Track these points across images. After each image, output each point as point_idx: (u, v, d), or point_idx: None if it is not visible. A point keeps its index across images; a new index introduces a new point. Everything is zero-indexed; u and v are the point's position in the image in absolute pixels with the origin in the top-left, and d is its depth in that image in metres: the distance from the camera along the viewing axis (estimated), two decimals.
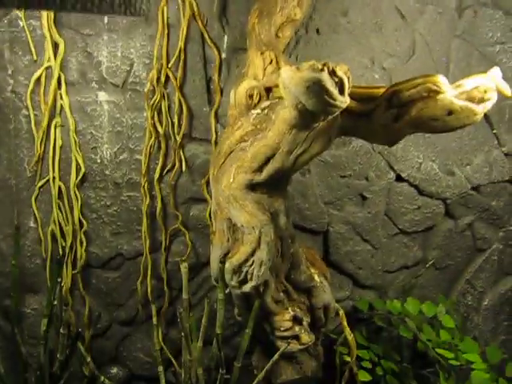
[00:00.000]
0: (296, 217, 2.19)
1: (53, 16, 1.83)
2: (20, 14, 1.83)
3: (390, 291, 2.37)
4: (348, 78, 1.43)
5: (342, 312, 2.04)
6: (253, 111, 1.70)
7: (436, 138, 2.21)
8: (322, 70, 1.35)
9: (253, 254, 1.76)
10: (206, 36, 1.95)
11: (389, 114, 1.58)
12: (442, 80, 1.52)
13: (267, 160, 1.66)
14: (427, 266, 2.37)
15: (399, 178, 2.27)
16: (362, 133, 1.70)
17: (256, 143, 1.66)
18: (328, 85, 1.37)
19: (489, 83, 1.52)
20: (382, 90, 1.62)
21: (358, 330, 2.25)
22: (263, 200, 1.74)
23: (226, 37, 1.98)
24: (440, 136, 2.20)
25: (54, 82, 1.88)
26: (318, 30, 2.05)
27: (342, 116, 1.63)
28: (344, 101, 1.43)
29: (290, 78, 1.39)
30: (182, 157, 2.03)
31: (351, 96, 1.63)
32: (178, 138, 2.00)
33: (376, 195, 2.25)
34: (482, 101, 1.50)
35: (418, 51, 2.13)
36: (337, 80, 1.39)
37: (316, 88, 1.37)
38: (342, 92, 1.41)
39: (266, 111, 1.67)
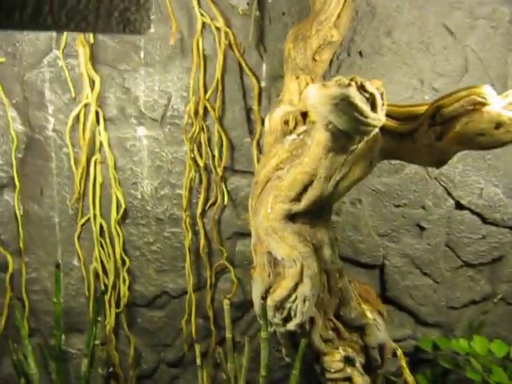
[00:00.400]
0: (348, 250, 2.07)
1: (89, 53, 1.83)
2: (59, 53, 1.85)
3: (456, 329, 2.18)
4: (381, 94, 1.33)
5: (399, 352, 1.88)
6: (288, 137, 1.62)
7: (497, 159, 2.05)
8: (349, 85, 1.26)
9: (295, 288, 1.65)
10: (243, 65, 1.90)
11: (432, 133, 1.46)
12: (487, 91, 1.38)
13: (305, 188, 1.57)
14: (496, 300, 2.16)
15: (459, 206, 2.10)
16: (407, 155, 1.58)
17: (292, 170, 1.57)
18: (357, 101, 1.27)
19: None
20: (424, 108, 1.51)
21: (422, 371, 2.07)
22: (304, 231, 1.64)
23: (264, 65, 1.92)
24: (501, 157, 2.04)
25: (92, 118, 1.87)
26: (360, 53, 1.96)
27: (382, 137, 1.53)
28: (377, 118, 1.32)
29: (316, 96, 1.30)
30: (225, 190, 1.97)
31: (392, 115, 1.54)
32: (220, 171, 1.95)
33: (435, 225, 2.10)
34: None
35: (471, 69, 1.99)
36: (367, 96, 1.29)
37: (344, 105, 1.27)
38: (374, 109, 1.31)
39: (301, 137, 1.59)
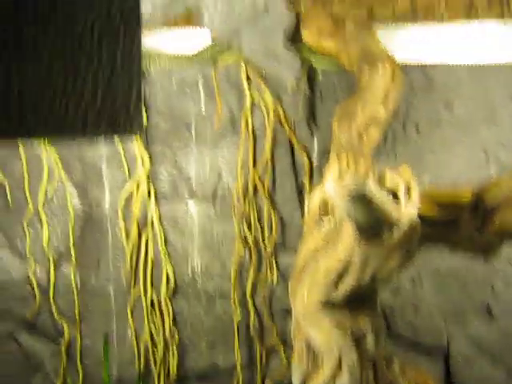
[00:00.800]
0: (407, 334, 1.94)
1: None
2: None
3: None
4: (409, 185, 1.25)
5: None
6: (325, 222, 1.56)
7: None
8: (367, 179, 1.19)
9: (333, 380, 1.56)
10: (294, 141, 1.87)
11: (473, 224, 1.35)
12: None
13: (341, 275, 1.49)
14: None
15: None
16: (451, 244, 1.47)
17: (327, 257, 1.51)
18: (377, 196, 1.20)
19: None
20: (468, 195, 1.40)
21: None
22: (344, 319, 1.56)
23: (315, 141, 1.89)
24: None
25: (144, 195, 1.92)
26: (417, 127, 1.87)
27: (423, 225, 1.43)
28: (402, 214, 1.24)
29: (334, 191, 1.24)
30: (275, 268, 1.92)
31: (435, 202, 1.44)
32: (270, 248, 1.91)
33: (506, 308, 1.92)
34: None
35: None
36: (389, 189, 1.21)
37: (363, 200, 1.20)
38: (398, 202, 1.23)
39: (336, 222, 1.52)
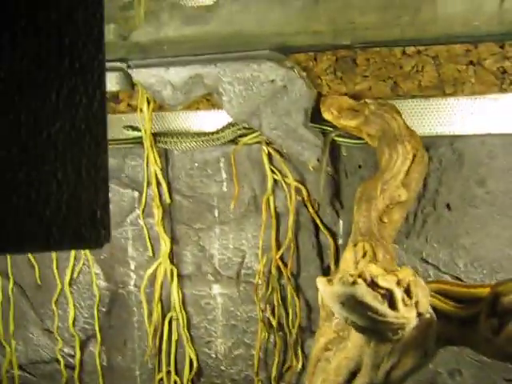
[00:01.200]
0: None
1: (162, 214, 1.89)
2: (139, 213, 1.93)
3: None
4: (408, 285, 1.15)
5: None
6: (335, 316, 1.47)
7: None
8: (355, 282, 1.10)
9: None
10: (318, 222, 1.80)
11: (489, 325, 1.22)
12: None
13: (353, 374, 1.39)
14: None
15: None
16: (471, 344, 1.34)
17: (338, 354, 1.41)
18: (368, 299, 1.11)
19: None
20: (486, 290, 1.28)
21: None
22: None
23: (341, 221, 1.81)
24: None
25: (167, 276, 1.90)
26: (448, 206, 1.75)
27: (439, 322, 1.31)
28: (400, 316, 1.14)
29: (324, 292, 1.17)
30: (300, 352, 1.83)
31: (450, 296, 1.33)
32: (294, 332, 1.83)
33: None
34: None
35: None
36: (383, 292, 1.12)
37: (352, 304, 1.12)
38: (393, 305, 1.13)
39: None
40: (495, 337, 1.21)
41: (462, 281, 1.77)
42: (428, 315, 1.27)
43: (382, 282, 1.12)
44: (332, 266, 1.81)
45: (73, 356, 2.02)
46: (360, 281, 1.11)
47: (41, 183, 0.94)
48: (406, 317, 1.16)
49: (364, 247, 1.55)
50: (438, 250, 1.77)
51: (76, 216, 1.04)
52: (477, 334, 1.28)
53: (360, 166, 1.81)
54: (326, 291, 1.16)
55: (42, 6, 0.87)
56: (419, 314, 1.25)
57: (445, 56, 1.75)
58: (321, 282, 1.19)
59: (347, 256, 1.55)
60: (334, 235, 1.81)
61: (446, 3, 1.69)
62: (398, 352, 1.32)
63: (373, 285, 1.12)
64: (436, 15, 1.71)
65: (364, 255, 1.54)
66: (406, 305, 1.16)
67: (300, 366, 1.84)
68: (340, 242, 1.81)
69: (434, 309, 1.33)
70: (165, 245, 1.89)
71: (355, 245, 1.57)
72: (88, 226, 1.06)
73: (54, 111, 0.91)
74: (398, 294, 1.14)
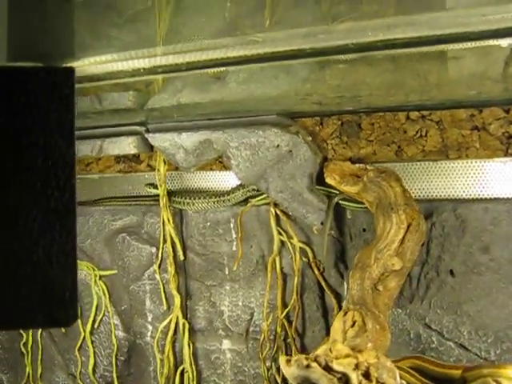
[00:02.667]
0: None
1: (175, 270, 1.97)
2: (156, 268, 2.02)
3: None
4: (367, 370, 1.17)
5: None
6: None
7: None
8: (308, 366, 1.13)
9: None
10: (323, 284, 1.83)
11: None
12: (509, 374, 1.12)
13: None
14: None
15: None
16: None
17: None
18: (323, 382, 1.13)
19: None
20: (459, 372, 1.27)
21: None
22: None
23: (345, 283, 1.83)
24: None
25: (179, 330, 1.98)
26: (452, 272, 1.74)
27: None
28: None
29: (284, 372, 1.20)
30: None
31: (428, 374, 1.33)
32: None
33: None
34: None
35: None
36: (339, 375, 1.14)
37: None
38: None
39: None
40: None
41: (466, 349, 1.75)
42: None
43: (336, 367, 1.15)
44: None
45: None
46: (314, 364, 1.14)
47: (17, 266, 1.05)
48: None
49: (353, 316, 1.56)
50: (442, 316, 1.75)
51: (49, 297, 1.15)
52: None
53: (364, 230, 1.83)
54: (286, 371, 1.19)
55: (18, 111, 0.99)
56: None
57: (448, 121, 1.75)
58: (282, 361, 1.23)
59: (336, 325, 1.57)
60: (338, 297, 1.83)
61: (450, 68, 1.70)
62: None
63: (328, 368, 1.15)
64: (440, 80, 1.72)
65: (353, 325, 1.56)
66: None
67: None
68: (344, 304, 1.83)
69: None
70: (177, 300, 1.97)
71: (345, 313, 1.59)
72: (59, 307, 1.16)
73: (29, 202, 1.02)
74: (354, 378, 1.16)
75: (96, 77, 1.31)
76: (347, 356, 1.22)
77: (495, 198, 1.70)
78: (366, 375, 1.18)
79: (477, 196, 1.72)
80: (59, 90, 1.06)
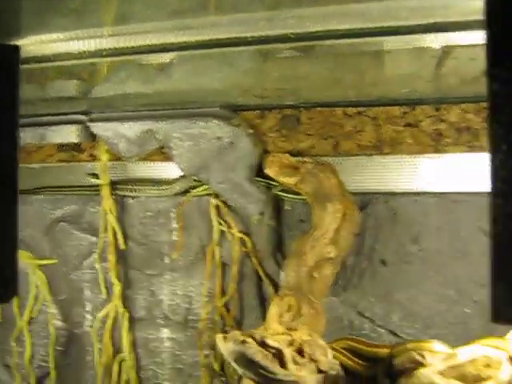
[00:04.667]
0: None
1: (115, 260, 1.98)
2: (96, 257, 2.02)
3: None
4: (300, 347, 1.22)
5: None
6: None
7: None
8: (244, 341, 1.18)
9: None
10: (260, 273, 1.88)
11: (385, 382, 1.28)
12: (434, 347, 1.20)
13: None
14: None
15: None
16: None
17: None
18: (257, 358, 1.18)
19: (497, 354, 1.14)
20: (387, 351, 1.34)
21: None
22: None
23: (282, 273, 1.88)
24: None
25: (119, 319, 1.99)
26: (384, 261, 1.82)
27: (346, 377, 1.38)
28: (289, 374, 1.21)
29: (221, 348, 1.24)
30: None
31: (359, 354, 1.40)
32: (236, 377, 1.89)
33: None
34: (478, 380, 1.12)
35: None
36: (273, 351, 1.19)
37: (244, 361, 1.19)
38: (283, 364, 1.20)
39: None
40: None
41: (396, 335, 1.83)
42: (334, 372, 1.34)
43: (271, 342, 1.20)
44: None
45: None
46: (250, 340, 1.19)
47: None
48: (297, 375, 1.23)
49: (289, 301, 1.62)
50: (374, 304, 1.83)
51: None
52: None
53: (302, 220, 1.89)
54: (222, 347, 1.23)
55: None
56: (321, 371, 1.32)
57: (383, 117, 1.83)
58: (219, 338, 1.27)
59: (272, 309, 1.62)
60: (275, 285, 1.88)
61: (385, 67, 1.78)
62: None
63: (264, 344, 1.20)
64: (377, 78, 1.80)
65: (288, 309, 1.61)
66: (296, 363, 1.23)
67: None
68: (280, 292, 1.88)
69: (343, 365, 1.40)
70: (117, 289, 1.98)
71: (282, 298, 1.64)
72: None
73: None
74: (288, 353, 1.21)
75: (40, 58, 1.32)
76: (282, 334, 1.28)
77: (425, 192, 1.79)
78: (300, 351, 1.24)
79: (408, 189, 1.80)
80: (6, 67, 1.08)
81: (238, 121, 1.89)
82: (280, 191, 1.87)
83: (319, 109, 1.87)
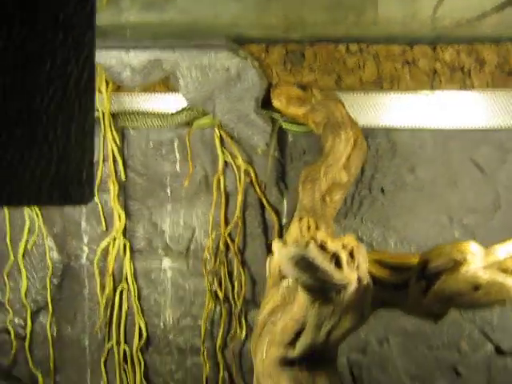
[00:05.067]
0: None
1: (118, 190, 1.98)
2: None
3: None
4: (351, 250, 1.31)
5: None
6: (283, 283, 1.62)
7: None
8: (308, 244, 1.25)
9: None
10: (264, 202, 1.95)
11: (418, 287, 1.40)
12: (471, 248, 1.32)
13: (297, 334, 1.54)
14: None
15: (500, 351, 1.95)
16: (403, 306, 1.51)
17: (284, 316, 1.56)
18: (318, 261, 1.26)
19: None
20: (416, 259, 1.46)
21: None
22: (301, 377, 1.59)
23: (285, 202, 1.96)
24: None
25: (120, 250, 1.99)
26: (382, 189, 1.94)
27: (374, 287, 1.49)
28: (344, 277, 1.30)
29: (279, 253, 1.31)
30: (244, 323, 1.98)
31: (385, 264, 1.50)
32: (239, 304, 1.97)
33: (473, 370, 1.95)
34: None
35: (504, 206, 1.90)
36: (330, 255, 1.28)
37: (304, 264, 1.27)
38: (340, 267, 1.29)
39: (293, 283, 1.58)
40: (423, 297, 1.39)
41: None
42: (366, 280, 1.44)
43: (330, 246, 1.28)
44: None
45: (23, 327, 2.08)
46: (312, 243, 1.26)
47: (33, 144, 1.05)
48: (349, 278, 1.32)
49: (308, 221, 1.71)
50: (372, 230, 1.95)
51: (64, 175, 1.17)
52: (407, 297, 1.46)
53: (304, 152, 1.97)
54: (282, 252, 1.30)
55: None
56: (359, 278, 1.42)
57: (384, 55, 1.93)
58: (276, 244, 1.33)
59: (293, 229, 1.71)
60: (278, 214, 1.96)
61: (386, 7, 1.87)
62: (338, 313, 1.48)
63: (322, 248, 1.28)
64: (377, 17, 1.88)
65: (308, 228, 1.70)
66: (349, 267, 1.32)
67: (244, 334, 1.98)
68: (284, 220, 1.97)
69: (371, 275, 1.51)
70: (119, 220, 1.99)
71: (300, 219, 1.72)
72: (75, 185, 1.19)
73: (47, 80, 1.03)
74: (344, 256, 1.30)
75: None
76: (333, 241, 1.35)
77: (421, 126, 1.92)
78: (351, 255, 1.33)
79: (406, 124, 1.92)
80: None
81: (245, 53, 1.92)
82: (284, 123, 1.94)
83: (323, 44, 1.94)
